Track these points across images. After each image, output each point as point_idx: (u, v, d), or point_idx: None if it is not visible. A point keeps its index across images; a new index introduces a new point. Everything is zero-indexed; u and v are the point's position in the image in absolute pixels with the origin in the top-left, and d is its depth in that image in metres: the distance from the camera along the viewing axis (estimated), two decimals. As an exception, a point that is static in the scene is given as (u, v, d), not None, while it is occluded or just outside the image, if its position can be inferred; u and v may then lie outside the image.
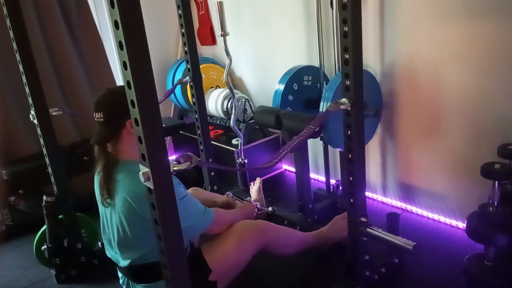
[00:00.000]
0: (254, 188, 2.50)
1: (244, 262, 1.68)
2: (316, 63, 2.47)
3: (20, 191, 2.58)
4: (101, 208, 1.59)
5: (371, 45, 2.22)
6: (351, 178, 1.63)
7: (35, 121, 1.91)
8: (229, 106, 2.93)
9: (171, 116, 3.60)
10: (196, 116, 2.45)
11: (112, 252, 1.62)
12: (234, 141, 2.91)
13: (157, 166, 1.04)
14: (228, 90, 2.96)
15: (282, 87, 2.33)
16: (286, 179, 3.06)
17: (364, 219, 1.67)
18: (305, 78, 2.40)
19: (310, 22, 2.50)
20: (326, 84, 2.41)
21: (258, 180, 2.52)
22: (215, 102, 3.01)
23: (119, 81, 3.13)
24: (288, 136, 2.11)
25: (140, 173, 1.05)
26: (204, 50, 3.45)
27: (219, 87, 3.21)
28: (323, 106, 2.06)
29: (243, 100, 2.93)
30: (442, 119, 2.06)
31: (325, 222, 2.10)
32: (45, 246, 2.04)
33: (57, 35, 2.69)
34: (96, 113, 1.47)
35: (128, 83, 0.98)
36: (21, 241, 2.55)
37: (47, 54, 2.66)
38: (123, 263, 1.54)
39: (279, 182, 3.01)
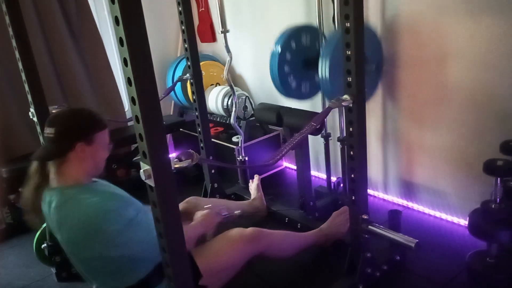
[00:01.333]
0: (253, 185, 2.50)
1: (236, 268, 1.65)
2: (314, 23, 2.36)
3: (20, 189, 2.56)
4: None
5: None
6: (353, 175, 1.62)
7: (35, 119, 1.90)
8: (229, 103, 2.92)
9: (171, 113, 3.59)
10: (197, 113, 2.44)
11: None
12: (234, 139, 2.90)
13: (158, 164, 1.03)
14: (228, 87, 2.95)
15: (279, 47, 2.21)
16: (287, 176, 3.05)
17: (365, 217, 1.66)
18: (303, 37, 2.27)
19: (310, 16, 2.48)
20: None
21: (256, 178, 2.51)
22: (215, 99, 3.00)
23: (118, 78, 3.12)
24: (289, 133, 2.11)
25: (141, 170, 1.04)
26: (204, 47, 3.43)
27: (219, 85, 3.20)
28: (322, 63, 1.96)
29: (244, 97, 2.93)
30: (443, 114, 2.05)
31: (326, 219, 2.10)
32: (45, 245, 2.03)
33: (57, 32, 2.68)
34: (48, 128, 1.40)
35: (128, 79, 0.97)
36: (21, 240, 2.54)
37: (46, 51, 2.65)
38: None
39: (280, 179, 3.00)
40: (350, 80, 1.49)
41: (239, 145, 2.66)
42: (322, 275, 1.91)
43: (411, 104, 2.18)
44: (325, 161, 2.50)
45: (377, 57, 2.16)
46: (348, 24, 1.44)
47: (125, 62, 0.96)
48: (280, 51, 2.20)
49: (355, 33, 1.44)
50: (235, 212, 2.11)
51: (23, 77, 1.83)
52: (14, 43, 1.78)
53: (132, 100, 0.99)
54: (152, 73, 0.98)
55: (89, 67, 2.88)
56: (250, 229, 1.73)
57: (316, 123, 1.48)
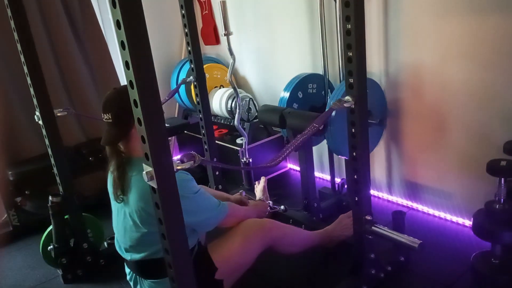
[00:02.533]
0: (259, 187, 2.49)
1: (250, 261, 1.69)
2: (320, 71, 2.47)
3: (26, 192, 2.60)
4: (114, 204, 1.60)
5: (375, 53, 2.22)
6: (355, 176, 1.62)
7: (40, 122, 1.92)
8: (233, 105, 2.93)
9: (176, 116, 3.60)
10: (200, 115, 2.45)
11: (119, 247, 1.63)
12: (238, 140, 2.91)
13: (161, 166, 1.05)
14: (232, 90, 2.95)
15: (287, 95, 2.35)
16: (291, 178, 3.05)
17: (369, 217, 1.66)
18: (310, 86, 2.41)
19: (313, 19, 2.49)
20: (331, 92, 2.43)
21: (262, 179, 2.51)
22: (219, 101, 3.01)
23: (124, 81, 3.14)
24: (293, 135, 2.11)
25: (144, 172, 1.06)
26: (207, 50, 3.45)
27: (223, 87, 3.21)
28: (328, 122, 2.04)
29: (247, 99, 2.93)
30: (447, 117, 2.05)
31: (331, 220, 2.10)
32: (51, 246, 2.05)
33: (61, 35, 2.70)
34: (105, 114, 1.48)
35: (130, 82, 0.99)
36: (27, 242, 2.56)
37: (51, 54, 2.67)
38: (133, 257, 1.55)
39: (284, 181, 3.01)
40: (351, 81, 1.50)
41: (243, 147, 2.67)
42: (325, 276, 1.92)
43: (416, 106, 2.18)
44: (329, 162, 2.50)
45: (382, 110, 2.24)
46: (349, 26, 1.44)
47: (126, 65, 0.97)
48: (287, 98, 2.35)
49: (356, 34, 1.44)
50: (280, 207, 2.22)
51: (28, 81, 1.85)
52: (19, 48, 1.80)
53: (134, 103, 1.00)
54: (154, 76, 0.99)
55: (93, 70, 2.90)
56: (264, 219, 1.78)
57: (318, 124, 1.49)
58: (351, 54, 1.47)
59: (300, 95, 2.37)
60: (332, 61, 2.44)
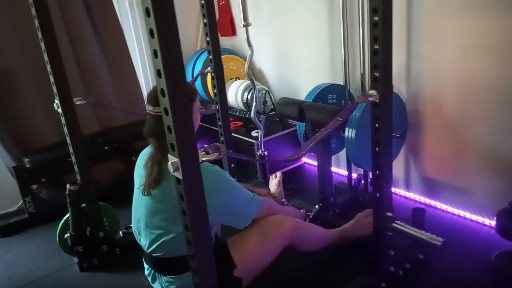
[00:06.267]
0: (274, 181, 2.48)
1: (270, 259, 1.65)
2: (340, 81, 2.44)
3: (42, 180, 2.61)
4: (138, 195, 1.57)
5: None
6: (377, 172, 1.60)
7: (59, 110, 1.91)
8: (249, 97, 2.90)
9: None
10: (217, 107, 2.44)
11: (141, 240, 1.61)
12: (253, 133, 2.89)
13: (187, 156, 1.03)
14: (248, 82, 2.94)
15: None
16: (306, 172, 3.03)
17: (390, 214, 1.64)
18: (330, 96, 2.38)
19: (333, 12, 2.45)
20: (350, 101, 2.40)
21: (278, 174, 2.49)
22: (235, 93, 2.99)
23: (139, 70, 3.13)
24: (311, 129, 2.08)
25: (169, 163, 1.04)
26: (223, 41, 3.41)
27: (239, 79, 3.18)
28: (349, 131, 2.03)
29: (264, 91, 2.91)
30: (469, 113, 2.01)
31: (346, 216, 2.08)
32: (68, 234, 2.05)
33: (78, 24, 2.69)
34: (156, 107, 1.45)
35: (158, 71, 0.97)
36: (43, 229, 2.58)
37: (67, 43, 2.66)
38: (151, 252, 1.53)
39: (298, 174, 2.98)
40: (377, 75, 1.47)
41: (259, 139, 2.65)
42: (340, 272, 1.89)
43: (437, 102, 2.14)
44: (346, 157, 2.47)
45: (403, 123, 2.21)
46: (376, 18, 1.41)
47: (155, 53, 0.95)
48: None
49: (383, 26, 1.41)
50: (311, 213, 2.22)
51: (48, 69, 1.84)
52: (40, 35, 1.79)
53: (162, 92, 0.98)
54: (182, 65, 0.98)
55: (110, 59, 2.89)
56: (286, 218, 1.72)
57: (342, 118, 1.46)
58: (377, 47, 1.44)
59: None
60: (352, 69, 2.41)
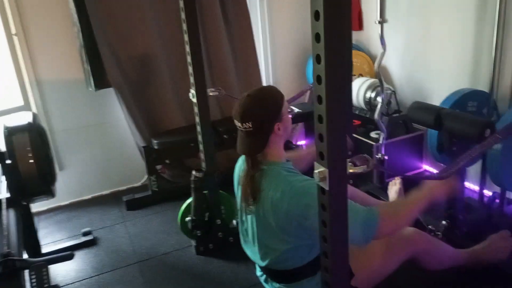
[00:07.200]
0: (394, 188, 2.32)
1: (389, 271, 1.57)
2: (482, 87, 2.20)
3: (166, 161, 2.78)
4: (241, 212, 1.57)
5: None
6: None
7: (194, 100, 1.99)
8: (372, 96, 2.76)
9: (306, 101, 3.54)
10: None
11: (250, 252, 1.60)
12: (373, 134, 2.75)
13: (335, 167, 0.98)
14: (372, 80, 2.79)
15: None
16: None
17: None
18: (470, 104, 2.14)
19: (482, 13, 2.19)
20: (496, 112, 2.17)
21: (398, 181, 2.33)
22: (356, 91, 2.86)
23: (262, 64, 3.15)
24: (449, 139, 1.90)
25: (316, 171, 1.00)
26: (348, 35, 3.29)
27: (362, 76, 3.04)
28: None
29: (389, 92, 2.74)
30: None
31: (474, 237, 1.87)
32: (189, 218, 2.16)
33: (212, 16, 2.78)
34: (244, 123, 1.40)
35: (318, 77, 0.93)
36: (164, 207, 2.76)
37: (202, 35, 2.77)
38: (262, 264, 1.52)
39: (417, 182, 2.77)
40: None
41: (380, 142, 2.51)
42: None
43: None
44: (481, 171, 2.23)
45: None
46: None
47: (317, 58, 0.91)
48: None
49: None
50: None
51: (188, 59, 1.92)
52: (184, 27, 1.86)
53: (318, 99, 0.94)
54: (345, 71, 0.93)
55: (236, 51, 2.95)
56: (411, 229, 1.63)
57: (502, 135, 1.29)
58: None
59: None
60: (502, 75, 2.15)
